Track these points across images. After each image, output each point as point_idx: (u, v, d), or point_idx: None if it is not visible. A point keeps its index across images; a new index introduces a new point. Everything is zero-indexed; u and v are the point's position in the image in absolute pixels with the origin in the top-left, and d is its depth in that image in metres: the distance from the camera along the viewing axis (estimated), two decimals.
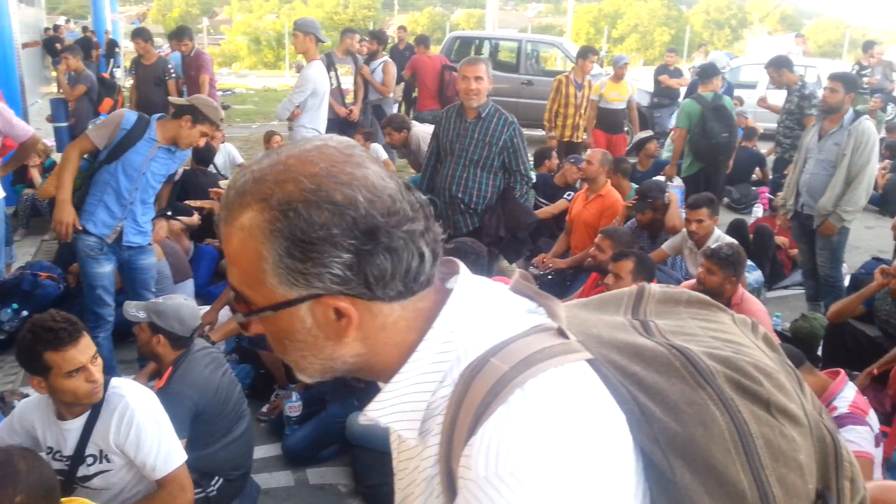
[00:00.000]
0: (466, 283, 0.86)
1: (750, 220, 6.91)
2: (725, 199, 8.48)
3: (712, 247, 4.12)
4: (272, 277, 0.78)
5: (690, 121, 6.61)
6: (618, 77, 8.55)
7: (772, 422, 0.83)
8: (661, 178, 6.99)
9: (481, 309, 0.84)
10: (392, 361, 0.83)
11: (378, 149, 7.45)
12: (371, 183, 0.78)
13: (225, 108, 10.68)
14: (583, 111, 7.89)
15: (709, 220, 4.74)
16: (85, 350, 2.25)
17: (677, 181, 6.83)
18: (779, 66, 6.83)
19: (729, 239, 4.62)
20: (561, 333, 0.82)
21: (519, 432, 0.73)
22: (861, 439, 2.77)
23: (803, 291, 5.74)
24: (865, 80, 12.14)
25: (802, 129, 6.80)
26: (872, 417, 2.91)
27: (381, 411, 0.83)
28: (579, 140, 7.92)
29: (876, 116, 10.70)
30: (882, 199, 8.46)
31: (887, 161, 9.29)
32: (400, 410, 0.83)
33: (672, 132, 9.06)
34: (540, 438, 0.72)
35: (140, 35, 8.01)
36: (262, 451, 3.63)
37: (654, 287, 0.98)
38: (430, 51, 10.05)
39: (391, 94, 8.67)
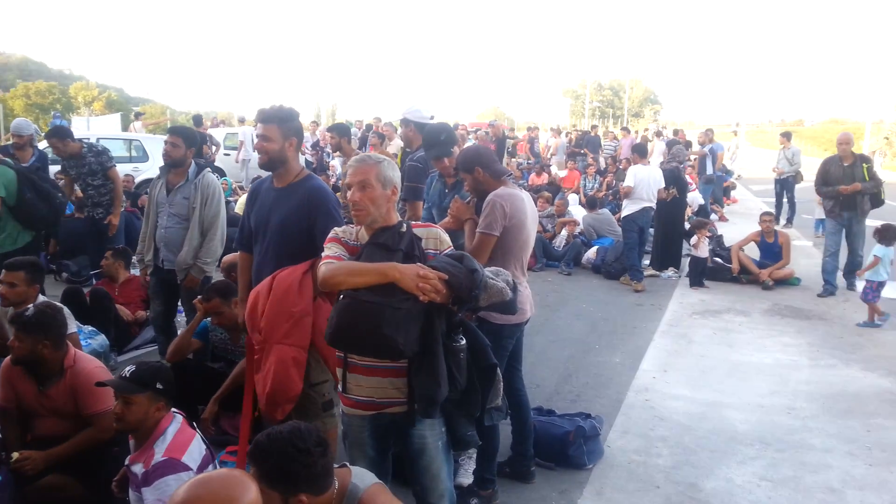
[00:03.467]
0: None
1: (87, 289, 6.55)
2: (64, 274, 7.97)
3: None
4: None
5: (8, 189, 5.86)
6: None
7: None
8: None
9: None
10: None
11: None
12: None
13: None
14: None
15: (25, 285, 4.24)
16: None
17: None
18: (62, 137, 7.14)
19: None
20: None
21: None
22: (166, 495, 2.66)
23: (156, 348, 5.70)
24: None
25: (112, 183, 7.12)
26: (194, 447, 2.93)
27: None
28: None
29: None
30: None
31: None
32: None
33: None
34: None
35: None
36: None
37: None
38: None
39: None
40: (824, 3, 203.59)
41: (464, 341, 2.64)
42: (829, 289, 8.40)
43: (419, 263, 2.50)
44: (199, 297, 4.50)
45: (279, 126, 3.47)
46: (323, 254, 2.65)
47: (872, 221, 8.49)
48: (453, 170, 4.10)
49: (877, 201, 8.36)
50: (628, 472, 4.14)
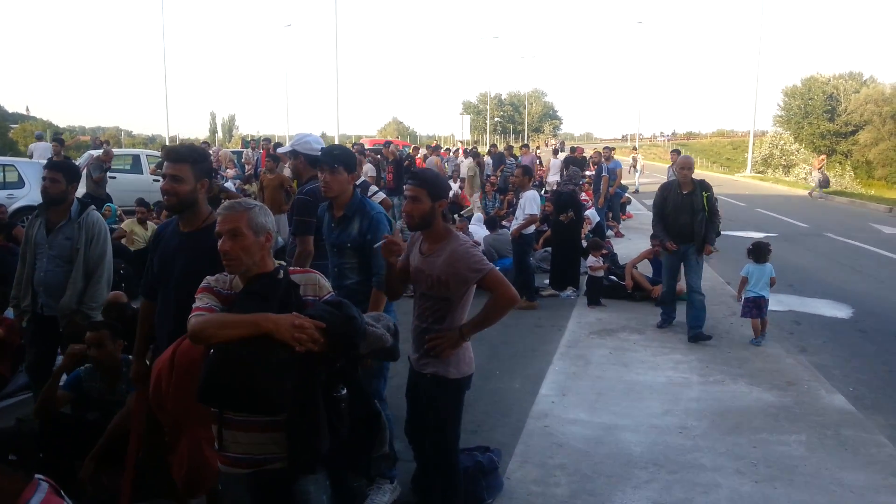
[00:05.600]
0: None
1: None
2: None
3: None
4: None
5: None
6: None
7: None
8: None
9: None
10: None
11: None
12: None
13: None
14: None
15: None
16: None
17: None
18: None
19: None
20: None
21: None
22: None
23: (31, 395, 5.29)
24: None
25: None
26: None
27: None
28: None
29: None
30: None
31: None
32: None
33: None
34: None
35: None
36: None
37: None
38: None
39: None
40: (707, 20, 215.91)
41: (345, 391, 2.55)
42: (665, 319, 7.91)
43: (295, 312, 2.39)
44: (72, 343, 4.20)
45: (192, 166, 3.29)
46: (194, 304, 2.49)
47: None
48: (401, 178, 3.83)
49: (716, 233, 7.82)
50: None
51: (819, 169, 27.80)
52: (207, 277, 2.61)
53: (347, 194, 4.01)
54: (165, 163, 3.34)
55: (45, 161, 15.11)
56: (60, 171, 4.62)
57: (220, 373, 2.34)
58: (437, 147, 22.56)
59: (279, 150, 5.24)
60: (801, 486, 4.30)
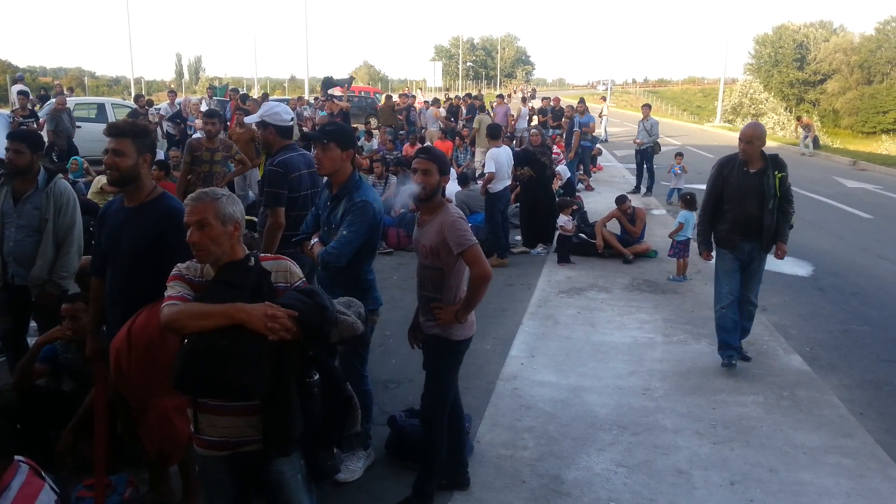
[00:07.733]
0: None
1: None
2: None
3: None
4: None
5: None
6: None
7: None
8: None
9: None
10: None
11: None
12: None
13: None
14: None
15: None
16: None
17: None
18: None
19: None
20: None
21: None
22: None
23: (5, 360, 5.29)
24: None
25: None
26: (43, 500, 2.76)
27: None
28: None
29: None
30: None
31: None
32: None
33: None
34: None
35: None
36: None
37: None
38: None
39: None
40: None
41: (317, 376, 2.62)
42: (729, 355, 5.75)
43: (267, 302, 2.44)
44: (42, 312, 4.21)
45: (133, 141, 3.30)
46: (166, 293, 2.52)
47: None
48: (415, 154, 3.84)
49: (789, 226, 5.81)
50: (496, 467, 4.27)
51: (806, 126, 27.44)
52: (178, 265, 2.64)
53: (343, 173, 3.93)
54: (107, 138, 3.33)
55: (8, 112, 14.76)
56: (24, 141, 4.53)
57: (194, 362, 2.39)
58: (437, 100, 22.20)
59: (246, 120, 5.17)
60: (757, 447, 4.52)
